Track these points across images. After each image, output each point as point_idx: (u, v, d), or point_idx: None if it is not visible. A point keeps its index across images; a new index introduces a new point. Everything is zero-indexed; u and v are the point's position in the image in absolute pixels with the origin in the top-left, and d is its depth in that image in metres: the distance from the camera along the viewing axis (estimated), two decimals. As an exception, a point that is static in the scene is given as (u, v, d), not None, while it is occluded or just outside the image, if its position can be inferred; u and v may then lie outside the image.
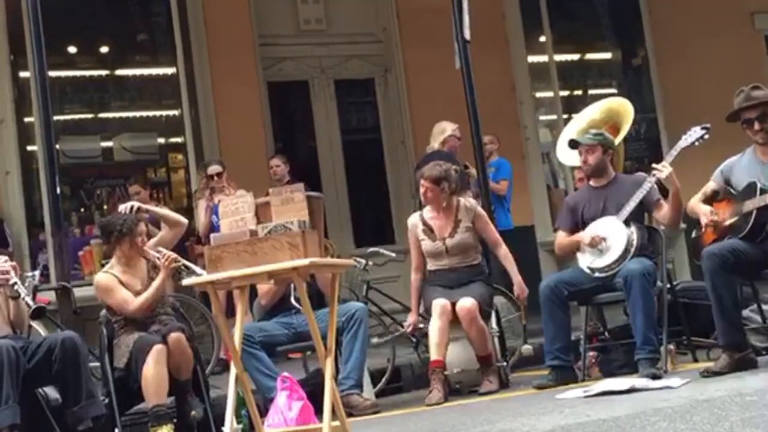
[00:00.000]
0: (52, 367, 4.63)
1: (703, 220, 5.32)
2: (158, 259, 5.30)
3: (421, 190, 6.10)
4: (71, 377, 4.64)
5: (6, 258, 4.93)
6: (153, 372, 4.93)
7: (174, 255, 5.32)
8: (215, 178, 7.75)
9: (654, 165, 5.65)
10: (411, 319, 6.14)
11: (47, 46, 5.99)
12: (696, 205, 5.45)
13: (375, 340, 6.54)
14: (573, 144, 5.97)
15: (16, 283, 4.78)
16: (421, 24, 9.42)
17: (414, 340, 6.49)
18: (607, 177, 5.89)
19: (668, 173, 5.49)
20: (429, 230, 6.10)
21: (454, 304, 5.80)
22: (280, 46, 9.58)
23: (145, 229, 5.45)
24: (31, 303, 4.76)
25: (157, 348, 4.96)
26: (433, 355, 5.74)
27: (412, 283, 6.20)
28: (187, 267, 5.33)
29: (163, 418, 4.91)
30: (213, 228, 7.62)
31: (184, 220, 5.74)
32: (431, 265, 6.13)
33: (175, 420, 5.11)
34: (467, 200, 6.24)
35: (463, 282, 5.98)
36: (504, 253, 6.16)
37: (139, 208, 5.58)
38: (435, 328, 5.75)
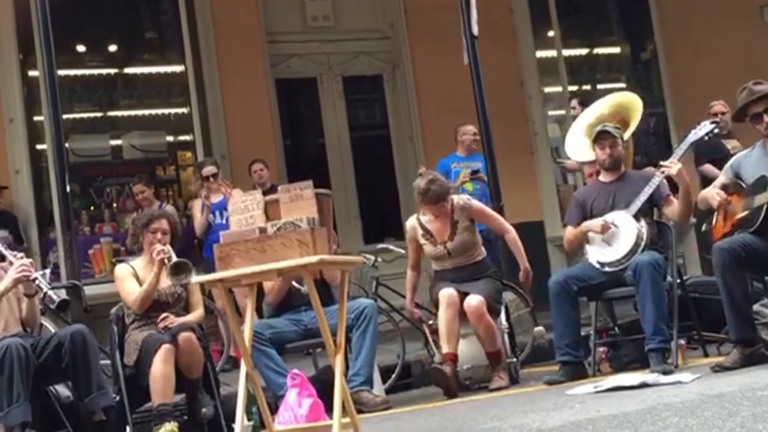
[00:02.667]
0: (62, 361, 4.66)
1: (714, 203, 5.28)
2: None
3: (428, 216, 6.01)
4: (81, 370, 4.66)
5: (23, 254, 4.96)
6: (160, 371, 4.93)
7: (161, 248, 5.25)
8: (210, 179, 7.76)
9: (662, 162, 5.60)
10: (409, 307, 6.24)
11: (56, 44, 6.00)
12: (705, 191, 5.42)
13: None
14: (599, 135, 5.88)
15: (36, 278, 4.79)
16: (429, 20, 9.42)
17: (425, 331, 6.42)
18: (618, 172, 5.88)
19: (677, 170, 5.47)
20: (429, 234, 6.07)
21: (462, 297, 5.79)
22: (288, 42, 9.59)
23: (167, 228, 5.43)
24: (54, 297, 4.77)
25: (165, 347, 4.96)
26: (444, 347, 5.73)
27: (407, 279, 6.22)
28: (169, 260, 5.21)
29: (166, 417, 4.91)
30: (210, 227, 7.67)
31: (201, 315, 5.53)
32: (436, 266, 6.13)
33: (184, 417, 5.12)
34: (460, 198, 6.17)
35: (471, 279, 5.96)
36: (512, 238, 6.12)
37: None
38: (443, 320, 5.75)
